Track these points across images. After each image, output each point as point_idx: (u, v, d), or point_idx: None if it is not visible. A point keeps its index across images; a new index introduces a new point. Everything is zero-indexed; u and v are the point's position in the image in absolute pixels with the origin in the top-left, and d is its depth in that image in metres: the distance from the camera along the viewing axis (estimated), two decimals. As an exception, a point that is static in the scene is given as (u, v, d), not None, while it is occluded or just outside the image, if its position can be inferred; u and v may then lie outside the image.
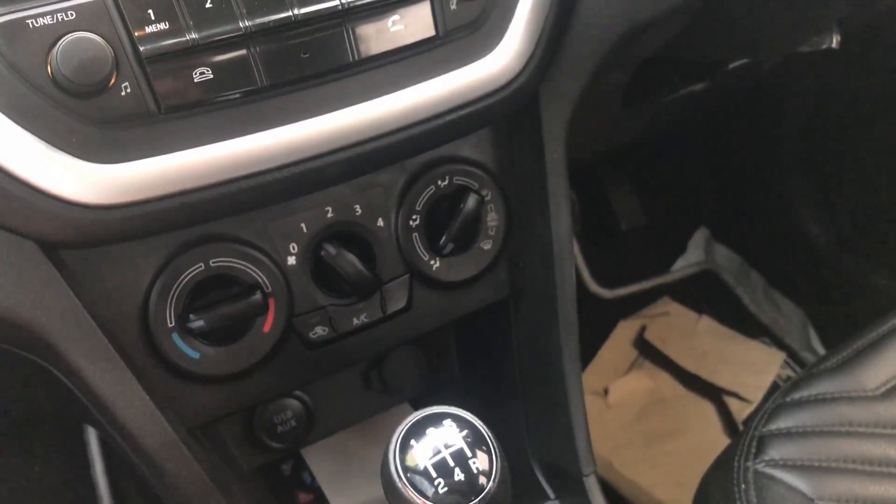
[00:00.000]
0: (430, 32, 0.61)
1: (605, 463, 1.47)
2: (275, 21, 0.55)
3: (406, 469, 0.54)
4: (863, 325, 0.92)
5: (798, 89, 1.58)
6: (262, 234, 0.65)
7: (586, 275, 1.78)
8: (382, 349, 0.74)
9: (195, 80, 0.54)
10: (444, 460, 0.54)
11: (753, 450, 0.82)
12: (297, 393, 0.81)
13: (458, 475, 0.53)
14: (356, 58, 0.59)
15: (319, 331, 0.69)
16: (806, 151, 1.67)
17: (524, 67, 0.65)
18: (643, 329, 1.70)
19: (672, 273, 1.84)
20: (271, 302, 0.66)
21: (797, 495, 0.77)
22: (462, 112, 0.63)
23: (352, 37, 0.58)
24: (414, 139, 0.62)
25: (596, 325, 1.75)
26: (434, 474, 0.53)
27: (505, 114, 0.68)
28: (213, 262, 0.63)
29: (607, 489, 1.47)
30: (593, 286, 1.78)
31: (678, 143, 1.81)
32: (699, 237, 1.87)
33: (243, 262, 0.64)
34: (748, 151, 1.78)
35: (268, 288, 0.65)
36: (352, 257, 0.67)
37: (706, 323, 1.72)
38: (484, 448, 0.55)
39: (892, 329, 0.93)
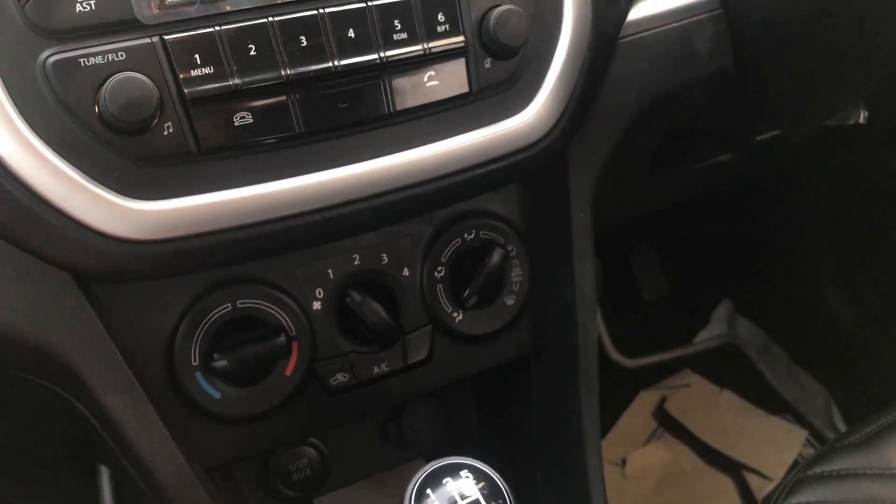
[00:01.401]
0: (464, 89, 0.63)
1: (621, 535, 1.44)
2: (315, 71, 0.57)
3: (421, 518, 0.54)
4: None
5: (827, 165, 1.59)
6: (289, 278, 0.66)
7: (608, 343, 1.77)
8: (402, 400, 0.74)
9: (235, 124, 0.56)
10: (459, 510, 0.54)
11: (774, 523, 0.81)
12: (314, 441, 0.80)
13: (473, 526, 0.53)
14: (391, 110, 0.60)
15: (340, 377, 0.69)
16: (833, 228, 1.67)
17: (553, 127, 0.66)
18: (664, 400, 1.69)
19: (694, 345, 1.83)
20: (294, 345, 0.66)
21: (818, 571, 0.75)
22: (491, 167, 0.64)
23: (388, 89, 0.60)
24: (443, 191, 0.63)
25: (616, 394, 1.73)
26: (448, 524, 0.53)
27: (533, 171, 0.70)
28: (240, 304, 0.64)
29: (622, 562, 1.44)
30: (615, 355, 1.77)
31: (704, 214, 1.82)
32: (722, 310, 1.86)
33: (269, 305, 0.65)
34: (775, 225, 1.78)
35: (292, 331, 0.66)
36: (376, 305, 0.67)
37: (727, 397, 1.70)
38: (500, 501, 0.55)
39: (918, 406, 0.92)
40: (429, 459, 0.92)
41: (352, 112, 0.59)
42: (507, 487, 0.55)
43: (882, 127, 1.00)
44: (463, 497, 0.54)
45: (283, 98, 0.57)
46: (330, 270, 0.67)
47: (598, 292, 1.71)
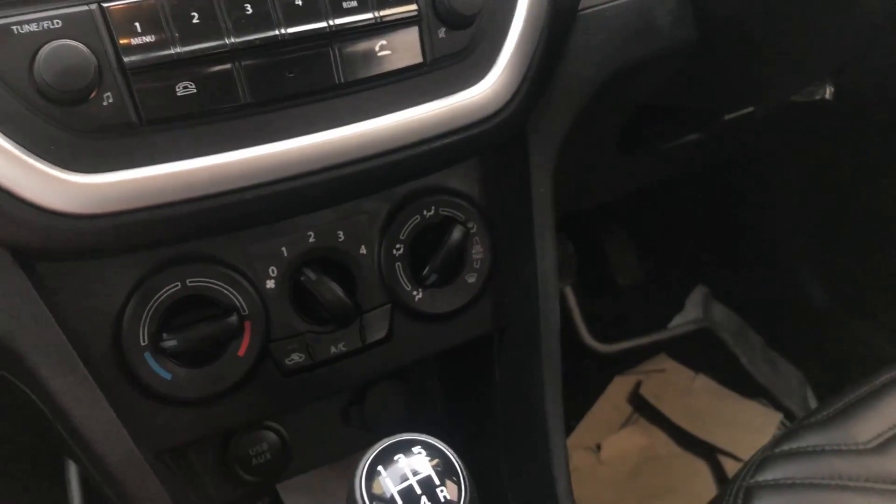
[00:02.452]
0: (418, 59, 0.61)
1: (596, 520, 1.44)
2: (261, 39, 0.56)
3: (372, 497, 0.52)
4: (859, 385, 0.91)
5: (799, 148, 1.59)
6: (241, 256, 0.64)
7: (582, 329, 1.76)
8: (361, 380, 0.72)
9: (178, 94, 0.54)
10: (410, 488, 0.52)
11: (739, 501, 0.80)
12: (274, 425, 0.79)
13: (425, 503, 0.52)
14: (342, 80, 0.59)
15: (296, 357, 0.67)
16: (806, 211, 1.67)
17: (511, 99, 0.65)
18: (638, 385, 1.68)
19: (669, 330, 1.83)
20: (247, 325, 0.65)
21: (784, 548, 0.75)
22: (447, 140, 0.63)
23: (338, 59, 0.58)
24: (398, 166, 0.62)
25: (591, 379, 1.73)
26: (400, 502, 0.52)
27: (491, 145, 0.68)
28: (189, 282, 0.63)
29: (597, 547, 1.43)
30: (589, 340, 1.77)
31: (678, 199, 1.81)
32: (697, 295, 1.86)
33: (221, 284, 0.63)
34: (749, 209, 1.78)
35: (244, 311, 0.64)
36: (332, 284, 0.66)
37: (702, 381, 1.70)
38: (454, 478, 0.54)
39: (885, 383, 0.91)
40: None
41: (300, 82, 0.58)
42: (461, 464, 0.54)
43: (848, 103, 0.99)
44: (415, 474, 0.53)
45: (228, 67, 0.55)
46: (284, 248, 0.66)
47: (572, 278, 1.71)
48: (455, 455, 0.54)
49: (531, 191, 0.72)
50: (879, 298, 1.61)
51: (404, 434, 0.55)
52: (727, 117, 1.06)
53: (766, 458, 0.85)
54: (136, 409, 0.63)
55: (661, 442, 1.59)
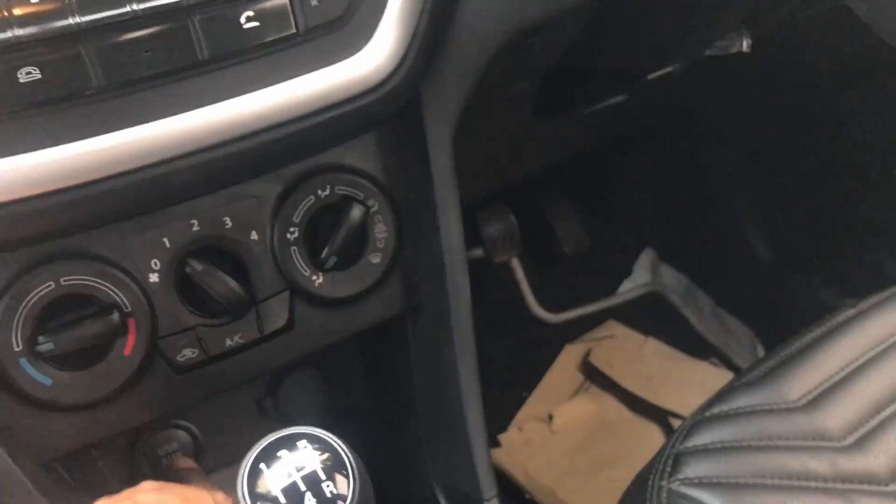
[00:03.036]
0: (289, 30, 0.57)
1: (549, 491, 1.43)
2: (110, 17, 0.52)
3: (255, 496, 0.50)
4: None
5: (737, 105, 1.57)
6: (119, 250, 0.61)
7: (531, 299, 1.74)
8: (263, 371, 0.69)
9: (21, 80, 0.50)
10: (294, 485, 0.49)
11: (669, 468, 0.78)
12: (183, 423, 0.76)
13: (310, 500, 0.49)
14: (205, 56, 0.55)
15: (188, 353, 0.64)
16: (748, 168, 1.66)
17: (397, 68, 0.61)
18: (589, 353, 1.67)
19: (618, 296, 1.81)
20: (131, 322, 0.61)
21: (711, 514, 0.73)
22: (327, 115, 0.60)
23: (199, 33, 0.54)
24: (277, 145, 0.58)
25: (542, 350, 1.71)
26: (283, 501, 0.49)
27: (382, 118, 0.65)
28: (64, 281, 0.59)
29: (551, 519, 1.42)
30: (538, 311, 1.75)
31: (620, 163, 1.79)
32: (645, 259, 1.84)
33: (99, 280, 0.60)
34: (691, 171, 1.77)
35: (127, 307, 0.61)
36: (220, 273, 0.62)
37: (653, 345, 1.69)
38: (343, 471, 0.51)
39: (817, 338, 0.90)
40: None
41: (158, 61, 0.54)
42: (351, 456, 0.51)
43: (768, 54, 0.97)
44: (299, 469, 0.50)
45: (76, 49, 0.51)
46: (165, 239, 0.62)
47: (517, 249, 1.68)
48: (344, 447, 0.52)
49: (430, 164, 0.69)
50: (824, 251, 1.61)
51: (291, 428, 0.52)
52: (650, 77, 1.03)
53: (696, 422, 0.83)
54: (17, 419, 0.60)
55: (613, 408, 1.58)
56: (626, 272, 1.83)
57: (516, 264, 1.71)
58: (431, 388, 0.76)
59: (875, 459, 0.78)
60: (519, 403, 1.61)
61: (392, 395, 0.82)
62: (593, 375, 1.64)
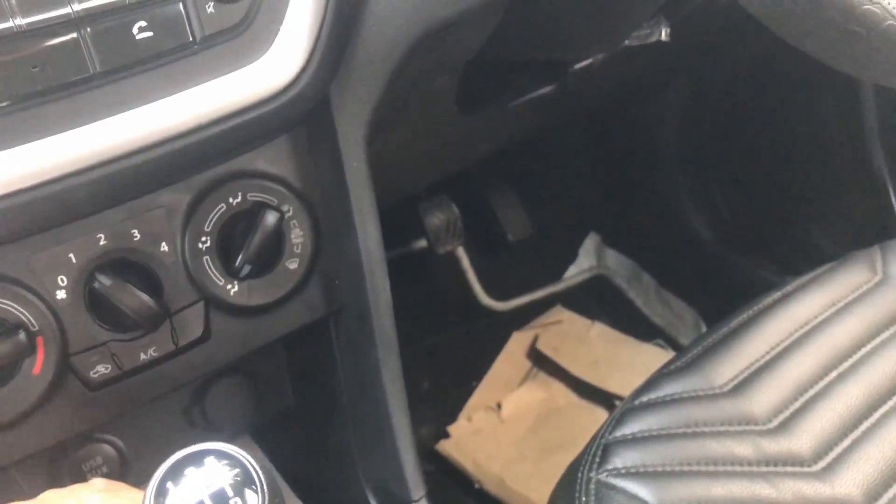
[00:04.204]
0: (185, 38, 0.56)
1: (497, 479, 1.44)
2: (-7, 33, 0.50)
3: (164, 516, 0.49)
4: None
5: (671, 87, 1.58)
6: (23, 268, 0.59)
7: (477, 288, 1.75)
8: (182, 384, 0.68)
9: None
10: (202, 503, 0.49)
11: (598, 459, 0.79)
12: (108, 437, 0.75)
13: (218, 518, 0.49)
14: (97, 69, 0.54)
15: (101, 369, 0.63)
16: (685, 149, 1.68)
17: (300, 73, 0.61)
18: (536, 339, 1.68)
19: (564, 281, 1.83)
20: (39, 341, 0.60)
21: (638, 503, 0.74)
22: (231, 123, 0.59)
23: (90, 46, 0.53)
24: (177, 156, 0.58)
25: (490, 338, 1.72)
26: (191, 520, 0.48)
27: (288, 123, 0.64)
28: (-35, 302, 0.57)
29: (500, 507, 1.43)
30: (485, 299, 1.75)
31: (561, 149, 1.80)
32: (589, 243, 1.86)
33: (2, 300, 0.58)
34: (630, 154, 1.78)
35: (34, 326, 0.59)
36: (130, 287, 0.61)
37: (599, 329, 1.70)
38: (252, 486, 0.50)
39: (742, 322, 0.92)
40: (258, 437, 0.88)
41: (47, 76, 0.52)
42: (261, 472, 0.51)
43: (687, 40, 0.98)
44: (207, 487, 0.49)
45: (-40, 67, 0.50)
46: (71, 254, 0.61)
47: (461, 239, 1.68)
48: (252, 461, 0.51)
49: (343, 166, 0.68)
50: (764, 230, 1.63)
51: (198, 445, 0.51)
52: (575, 67, 1.04)
53: (625, 411, 0.84)
54: (-78, 445, 0.58)
55: (561, 394, 1.60)
56: (572, 257, 1.85)
57: (461, 254, 1.72)
58: (357, 390, 0.76)
59: (798, 440, 0.80)
60: (468, 393, 1.62)
61: (319, 399, 0.82)
62: (541, 362, 1.65)
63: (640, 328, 1.73)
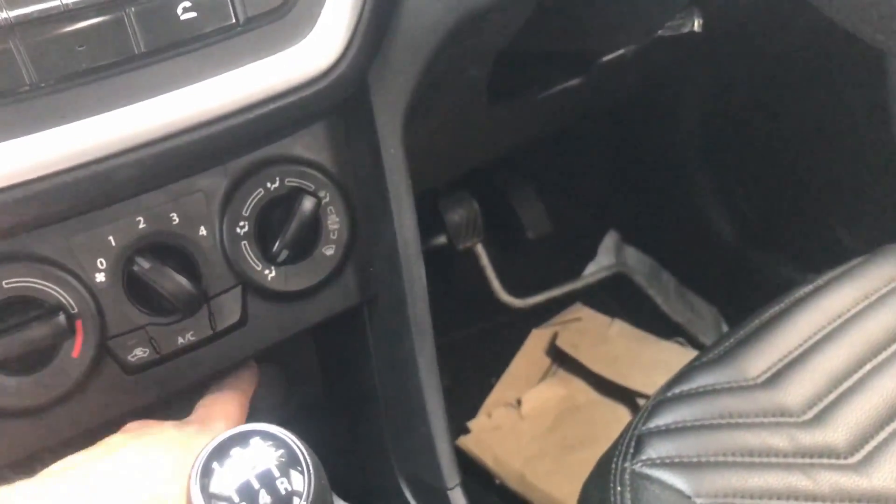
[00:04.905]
0: (229, 20, 0.56)
1: (518, 476, 1.43)
2: (40, 11, 0.50)
3: (209, 496, 0.49)
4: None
5: (694, 82, 1.58)
6: (63, 250, 0.59)
7: (496, 285, 1.74)
8: (218, 369, 0.68)
9: (-53, 78, 0.49)
10: (248, 483, 0.49)
11: (632, 450, 0.79)
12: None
13: (265, 498, 0.48)
14: (141, 49, 0.54)
15: (139, 353, 0.63)
16: (707, 146, 1.67)
17: (342, 56, 0.60)
18: (555, 337, 1.67)
19: (583, 278, 1.82)
20: (78, 324, 0.60)
21: (674, 494, 0.73)
22: (272, 106, 0.58)
23: (135, 26, 0.53)
24: (221, 138, 0.57)
25: (509, 335, 1.71)
26: (237, 499, 0.48)
27: (328, 107, 0.64)
28: (6, 284, 0.57)
29: (521, 503, 1.43)
30: (504, 296, 1.75)
31: (581, 146, 1.79)
32: (609, 241, 1.85)
33: (42, 282, 0.58)
34: (651, 150, 1.77)
35: (73, 308, 0.59)
36: (168, 271, 0.61)
37: (618, 326, 1.69)
38: (298, 468, 0.50)
39: (774, 315, 0.91)
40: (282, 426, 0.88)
41: (93, 55, 0.52)
42: (305, 452, 0.51)
43: (726, 33, 0.97)
44: (253, 468, 0.49)
45: (7, 45, 0.50)
46: (111, 237, 0.60)
47: (480, 235, 1.68)
48: (298, 442, 0.51)
49: (381, 153, 0.68)
50: (786, 228, 1.62)
51: (243, 426, 0.51)
52: (604, 59, 1.03)
53: (657, 403, 0.84)
54: (-37, 427, 0.58)
55: (581, 391, 1.59)
56: (591, 255, 1.84)
57: (480, 250, 1.71)
58: (391, 378, 0.75)
59: (834, 433, 0.79)
60: (487, 390, 1.61)
61: (351, 388, 0.81)
62: (560, 359, 1.64)
63: (660, 326, 1.72)
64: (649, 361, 1.62)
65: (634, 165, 1.81)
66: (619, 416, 1.55)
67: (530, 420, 1.53)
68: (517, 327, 1.72)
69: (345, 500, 0.79)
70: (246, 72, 0.57)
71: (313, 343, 0.83)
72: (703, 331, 1.72)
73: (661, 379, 1.55)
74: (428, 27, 0.68)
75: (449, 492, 0.71)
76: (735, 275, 1.71)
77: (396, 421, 0.76)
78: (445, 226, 1.60)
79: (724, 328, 1.70)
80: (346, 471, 0.84)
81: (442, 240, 1.66)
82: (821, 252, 1.55)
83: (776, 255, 1.63)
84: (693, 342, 1.70)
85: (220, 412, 0.64)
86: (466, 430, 1.52)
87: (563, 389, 1.59)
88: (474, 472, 1.48)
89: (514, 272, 1.76)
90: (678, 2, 0.84)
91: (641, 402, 1.54)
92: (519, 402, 1.56)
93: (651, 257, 1.82)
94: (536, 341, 1.68)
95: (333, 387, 0.84)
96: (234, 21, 0.56)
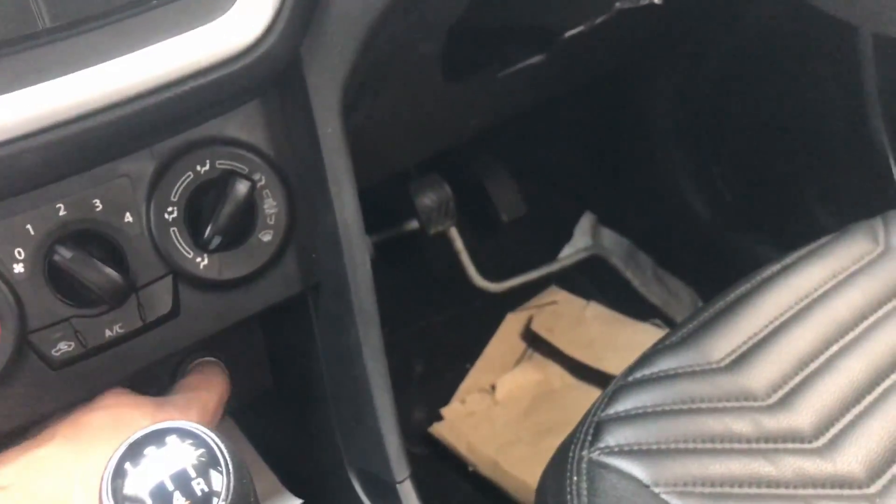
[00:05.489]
0: (143, -8, 0.53)
1: (492, 462, 1.41)
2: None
3: (122, 499, 0.46)
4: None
5: (665, 59, 1.55)
6: (-24, 241, 0.56)
7: (471, 270, 1.71)
8: (150, 362, 0.65)
9: None
10: (161, 485, 0.46)
11: (590, 437, 0.76)
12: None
13: (179, 500, 0.45)
14: (46, 24, 0.50)
15: (64, 347, 0.60)
16: (682, 127, 1.64)
17: (267, 31, 0.57)
18: (530, 320, 1.65)
19: (559, 261, 1.79)
20: (-4, 317, 0.56)
21: (632, 483, 0.71)
22: (194, 83, 0.55)
23: (38, 0, 0.50)
24: (138, 117, 0.54)
25: (485, 320, 1.68)
26: (150, 502, 0.45)
27: (256, 85, 0.61)
28: (-85, 278, 0.54)
29: (494, 490, 1.41)
30: (479, 280, 1.72)
31: (555, 126, 1.76)
32: (585, 222, 1.82)
33: None
34: (626, 131, 1.75)
35: (-10, 302, 0.56)
36: (92, 260, 0.58)
37: (594, 309, 1.67)
38: (217, 467, 0.47)
39: (740, 296, 0.89)
40: (238, 418, 0.85)
41: (-8, 31, 0.49)
42: (226, 451, 0.48)
43: (690, 6, 0.94)
44: (168, 468, 0.46)
45: None
46: (29, 226, 0.57)
47: (453, 218, 1.65)
48: (218, 440, 0.48)
49: (317, 131, 0.65)
50: (763, 207, 1.60)
51: (158, 424, 0.48)
52: (566, 35, 1.00)
53: (618, 388, 0.81)
54: None
55: (556, 375, 1.57)
56: (567, 237, 1.81)
57: (454, 234, 1.68)
58: (337, 369, 0.73)
59: (799, 417, 0.77)
60: (462, 376, 1.59)
61: (299, 378, 0.78)
62: (536, 343, 1.62)
63: (637, 308, 1.70)
64: (625, 344, 1.59)
65: (609, 146, 1.78)
66: (595, 399, 1.52)
67: (504, 406, 1.51)
68: (492, 312, 1.69)
69: (295, 493, 0.77)
70: (162, 48, 0.53)
71: (260, 331, 0.80)
72: (681, 312, 1.70)
73: (637, 361, 1.54)
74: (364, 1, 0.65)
75: (398, 485, 0.68)
76: (712, 255, 1.69)
77: (344, 413, 0.73)
78: (416, 210, 1.57)
79: (702, 309, 1.68)
80: (295, 464, 0.81)
81: (413, 225, 1.63)
82: (799, 231, 1.52)
83: (753, 234, 1.60)
84: (670, 323, 1.68)
85: (200, 403, 0.64)
86: (440, 417, 1.50)
87: (539, 374, 1.56)
88: (447, 460, 1.46)
89: (488, 256, 1.74)
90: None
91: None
92: (493, 388, 1.54)
93: (628, 239, 1.79)
94: (511, 325, 1.65)
95: (281, 377, 0.81)
96: (149, -7, 0.53)
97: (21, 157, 0.51)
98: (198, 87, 0.56)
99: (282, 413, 0.83)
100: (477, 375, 1.58)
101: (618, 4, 0.85)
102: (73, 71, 0.51)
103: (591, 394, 1.53)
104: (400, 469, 0.69)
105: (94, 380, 0.62)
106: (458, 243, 1.69)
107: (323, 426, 0.75)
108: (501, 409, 1.51)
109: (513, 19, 0.87)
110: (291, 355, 0.79)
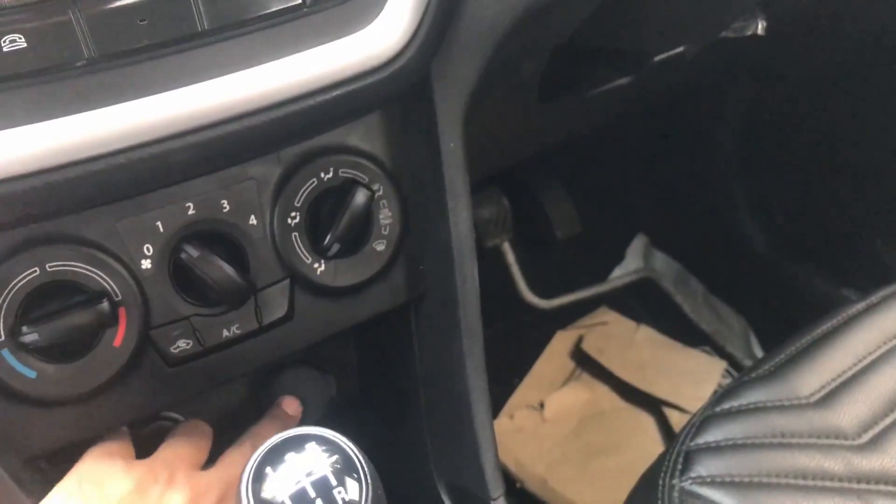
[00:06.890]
0: (295, 0, 0.54)
1: (540, 481, 1.40)
2: (103, -19, 0.48)
3: (261, 502, 0.46)
4: (803, 330, 0.87)
5: (735, 89, 1.54)
6: (109, 234, 0.57)
7: (522, 285, 1.71)
8: (261, 363, 0.65)
9: (4, 49, 0.46)
10: (303, 491, 0.46)
11: (679, 466, 0.76)
12: (173, 415, 0.72)
13: (320, 508, 0.46)
14: (205, 26, 0.51)
15: (182, 344, 0.60)
16: (744, 154, 1.63)
17: (407, 44, 0.58)
18: (580, 339, 1.64)
19: (610, 281, 1.79)
20: (122, 311, 0.57)
21: (725, 515, 0.71)
22: (334, 93, 0.56)
23: (199, 2, 0.50)
24: (279, 124, 0.55)
25: (533, 336, 1.68)
26: (291, 508, 0.46)
27: (391, 97, 0.61)
28: (50, 267, 0.55)
29: (543, 509, 1.40)
30: (529, 297, 1.72)
31: (614, 147, 1.76)
32: (637, 244, 1.82)
33: (87, 266, 0.56)
34: (685, 155, 1.74)
35: (117, 295, 0.57)
36: (217, 260, 0.58)
37: (645, 332, 1.66)
38: (354, 475, 0.47)
39: (827, 332, 0.88)
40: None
41: (155, 30, 0.50)
42: (362, 458, 0.48)
43: (782, 38, 0.94)
44: (308, 474, 0.46)
45: (66, 16, 0.47)
46: (159, 223, 0.58)
47: (509, 233, 1.65)
48: (355, 449, 0.48)
49: (440, 146, 0.65)
50: (820, 240, 1.59)
51: (297, 429, 0.48)
52: (657, 59, 1.00)
53: (706, 418, 0.81)
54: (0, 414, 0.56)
55: (605, 396, 1.56)
56: (619, 258, 1.81)
57: (507, 248, 1.68)
58: (435, 381, 0.73)
59: (891, 459, 0.76)
60: (509, 391, 1.58)
61: (392, 389, 0.78)
62: (585, 363, 1.61)
63: (686, 334, 1.69)
64: (675, 369, 1.59)
65: (667, 169, 1.78)
66: (644, 423, 1.52)
67: (553, 424, 1.50)
68: (541, 328, 1.68)
69: (380, 504, 0.77)
70: (310, 55, 0.54)
71: (353, 340, 0.81)
72: (731, 340, 1.69)
73: (687, 387, 1.53)
74: (492, 19, 0.65)
75: (492, 502, 0.68)
76: (766, 285, 1.68)
77: (439, 425, 0.73)
78: (474, 221, 1.57)
79: (753, 339, 1.67)
80: (383, 475, 0.81)
81: (469, 236, 1.63)
82: (857, 266, 1.51)
83: (809, 266, 1.59)
84: (720, 352, 1.67)
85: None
86: (488, 432, 1.49)
87: (587, 394, 1.56)
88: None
89: (540, 272, 1.73)
90: (746, 3, 0.80)
91: (666, 409, 1.51)
92: (542, 405, 1.53)
93: (680, 263, 1.79)
94: (561, 343, 1.65)
95: (372, 386, 0.81)
96: (300, 1, 0.54)
97: (165, 156, 0.51)
98: (337, 97, 0.56)
99: (369, 424, 0.83)
100: (525, 392, 1.58)
101: (724, 34, 0.85)
102: (226, 74, 0.52)
103: (640, 417, 1.53)
104: (495, 486, 0.69)
105: (207, 378, 0.63)
106: (511, 257, 1.69)
107: (414, 438, 0.75)
108: (550, 428, 1.50)
109: (615, 41, 0.87)
110: (384, 366, 0.79)
